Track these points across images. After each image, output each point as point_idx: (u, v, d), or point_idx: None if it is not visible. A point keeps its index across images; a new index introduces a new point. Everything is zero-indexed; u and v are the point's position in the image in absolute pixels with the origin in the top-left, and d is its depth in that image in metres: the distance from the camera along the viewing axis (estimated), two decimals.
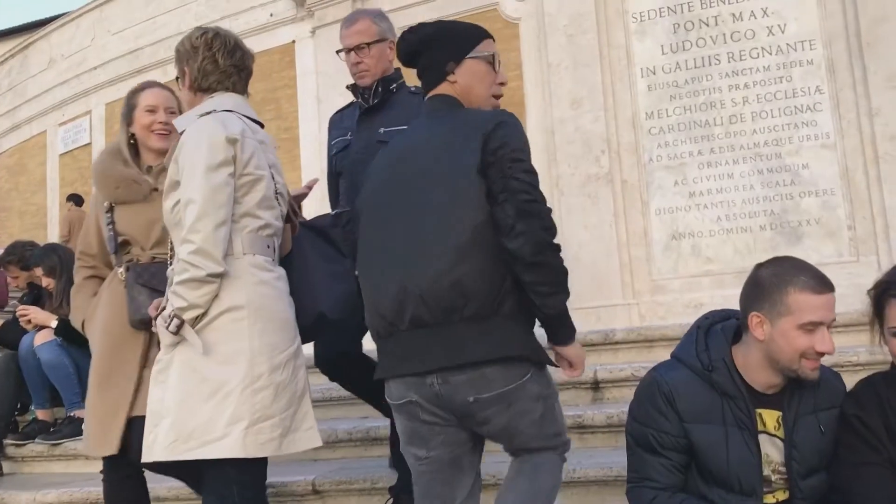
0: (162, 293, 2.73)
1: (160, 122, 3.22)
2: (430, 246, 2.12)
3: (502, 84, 2.51)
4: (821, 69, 9.07)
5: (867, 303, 2.72)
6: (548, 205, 2.28)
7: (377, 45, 3.31)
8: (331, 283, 2.79)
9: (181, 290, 2.54)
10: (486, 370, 2.14)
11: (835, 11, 9.05)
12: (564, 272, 2.23)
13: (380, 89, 3.30)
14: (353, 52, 3.31)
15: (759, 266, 2.87)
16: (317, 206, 4.06)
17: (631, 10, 9.82)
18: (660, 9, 9.73)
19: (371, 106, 3.32)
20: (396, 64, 3.01)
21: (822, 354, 2.56)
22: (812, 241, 8.94)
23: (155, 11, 13.22)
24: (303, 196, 3.15)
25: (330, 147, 3.58)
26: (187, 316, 2.53)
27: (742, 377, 2.63)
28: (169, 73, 12.86)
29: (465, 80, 2.42)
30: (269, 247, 2.67)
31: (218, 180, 2.61)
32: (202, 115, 2.85)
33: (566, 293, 2.26)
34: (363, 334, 3.15)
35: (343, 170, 3.41)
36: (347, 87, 3.42)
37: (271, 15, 11.95)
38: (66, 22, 14.92)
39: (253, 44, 12.15)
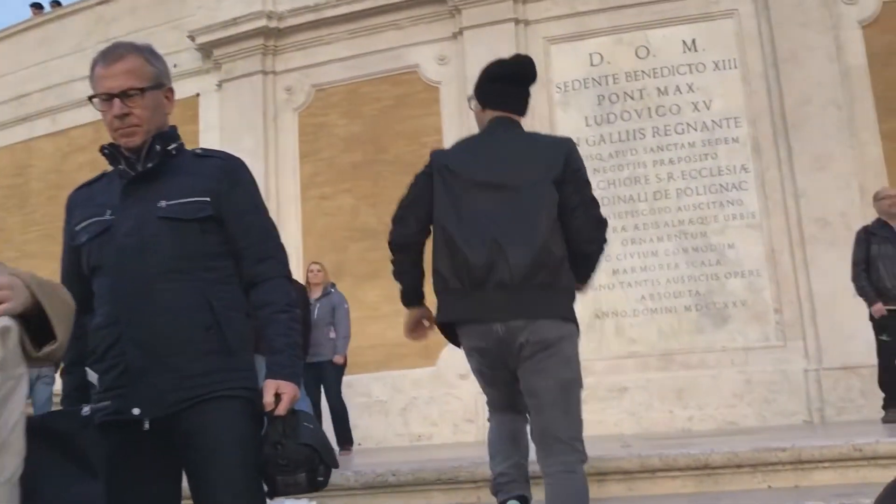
0: None
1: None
2: (520, 232, 2.66)
3: None
4: (746, 147, 8.90)
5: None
6: None
7: (152, 92, 2.23)
8: None
9: None
10: (540, 321, 2.66)
11: (759, 90, 8.94)
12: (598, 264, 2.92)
13: (157, 148, 2.19)
14: (116, 100, 2.18)
15: None
16: None
17: (555, 80, 9.51)
18: (584, 79, 9.45)
19: (144, 171, 2.19)
20: (173, 120, 2.25)
21: None
22: (738, 323, 8.61)
23: (47, 55, 12.28)
24: None
25: (73, 232, 2.29)
26: None
27: None
28: (59, 122, 11.88)
29: None
30: None
31: None
32: None
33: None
34: None
35: (103, 263, 2.17)
36: (101, 151, 2.28)
37: (175, 66, 11.13)
38: None
39: None
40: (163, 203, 2.15)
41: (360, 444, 8.48)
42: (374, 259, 9.46)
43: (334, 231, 9.93)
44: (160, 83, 2.24)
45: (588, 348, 8.88)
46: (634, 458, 3.29)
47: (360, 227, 9.79)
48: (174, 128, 2.29)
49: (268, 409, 2.02)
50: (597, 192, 9.22)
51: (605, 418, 8.57)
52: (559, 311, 2.69)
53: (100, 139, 8.84)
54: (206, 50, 10.79)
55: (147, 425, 2.03)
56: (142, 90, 2.17)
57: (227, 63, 10.64)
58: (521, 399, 2.78)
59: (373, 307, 9.01)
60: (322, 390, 7.65)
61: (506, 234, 2.66)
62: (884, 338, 6.81)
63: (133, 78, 2.18)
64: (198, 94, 10.98)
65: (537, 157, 2.77)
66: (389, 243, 2.91)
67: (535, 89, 9.67)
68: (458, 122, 9.71)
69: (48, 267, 10.60)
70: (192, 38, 10.77)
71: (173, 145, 2.23)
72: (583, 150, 9.09)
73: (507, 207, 2.69)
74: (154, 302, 2.06)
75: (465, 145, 2.96)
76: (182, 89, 11.25)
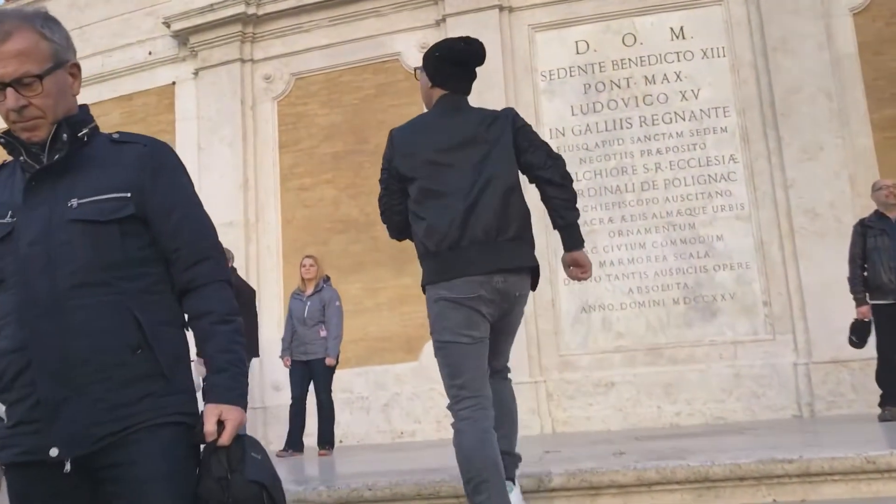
0: None
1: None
2: (486, 190, 2.89)
3: None
4: (735, 137, 8.73)
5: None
6: None
7: (54, 74, 1.81)
8: None
9: None
10: (523, 274, 2.98)
11: (748, 79, 8.76)
12: (576, 195, 3.03)
13: (64, 137, 1.79)
14: (10, 90, 1.76)
15: None
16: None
17: (540, 68, 9.29)
18: (570, 68, 9.24)
19: (50, 165, 1.80)
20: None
21: None
22: (727, 316, 8.46)
23: None
24: None
25: None
26: None
27: None
28: None
29: None
30: None
31: None
32: None
33: (578, 211, 3.05)
34: None
35: (5, 276, 1.80)
36: None
37: (150, 53, 10.86)
38: None
39: (129, 83, 11.02)
40: (74, 202, 1.77)
41: (340, 442, 8.28)
42: (356, 252, 9.25)
43: (315, 223, 9.69)
44: (62, 60, 1.82)
45: (574, 342, 8.73)
46: (630, 472, 3.10)
47: (342, 219, 9.56)
48: (84, 109, 1.91)
49: (209, 438, 1.73)
50: (583, 183, 9.07)
51: (592, 414, 8.41)
52: (531, 260, 3.06)
53: None
54: (182, 37, 10.48)
55: (68, 466, 1.71)
56: (40, 77, 1.76)
57: (204, 50, 10.33)
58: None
59: (355, 301, 8.79)
60: (311, 385, 7.43)
61: (472, 195, 2.89)
62: (854, 339, 6.75)
63: (28, 61, 1.76)
64: (174, 83, 10.68)
65: (490, 129, 3.00)
66: (389, 234, 3.18)
67: (520, 77, 9.50)
68: None
69: None
70: (167, 24, 10.45)
71: (84, 130, 1.84)
72: (568, 140, 8.94)
73: (472, 172, 2.92)
74: (67, 322, 1.72)
75: (421, 128, 3.10)
76: (158, 77, 11.01)
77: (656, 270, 8.65)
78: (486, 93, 9.20)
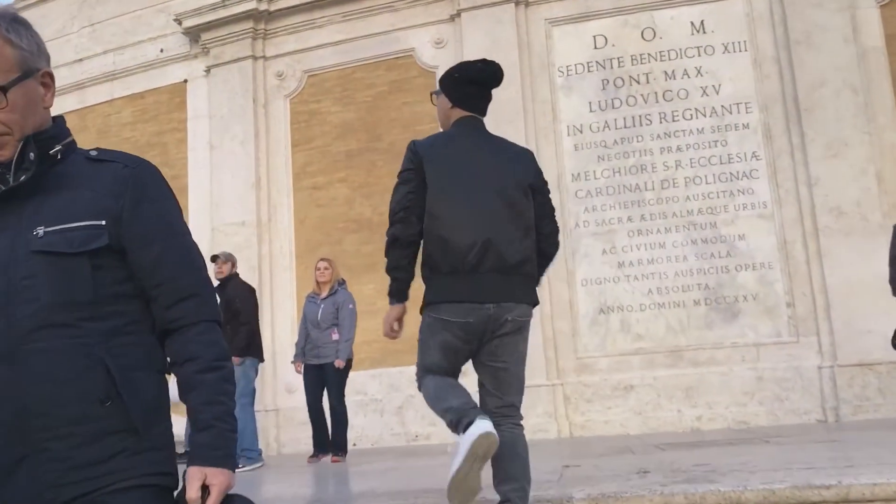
0: None
1: None
2: (509, 223, 2.95)
3: None
4: (757, 134, 8.51)
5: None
6: None
7: (21, 85, 1.58)
8: None
9: None
10: (523, 306, 2.99)
11: (771, 73, 8.54)
12: None
13: (30, 156, 1.56)
14: None
15: None
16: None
17: (557, 63, 9.10)
18: (588, 63, 9.05)
19: (14, 187, 1.57)
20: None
21: None
22: (749, 318, 8.26)
23: None
24: None
25: None
26: None
27: None
28: None
29: None
30: None
31: None
32: None
33: None
34: None
35: None
36: None
37: (161, 51, 10.75)
38: None
39: (140, 81, 10.93)
40: (40, 231, 1.53)
41: (354, 445, 8.15)
42: (370, 252, 9.09)
43: (328, 223, 9.56)
44: (31, 69, 1.59)
45: (592, 344, 8.56)
46: (656, 496, 2.94)
47: (355, 219, 9.42)
48: (59, 122, 1.67)
49: None
50: (601, 181, 8.88)
51: (610, 418, 8.24)
52: (535, 297, 3.08)
53: (86, 127, 8.52)
54: (193, 34, 10.35)
55: None
56: (4, 88, 1.54)
57: (216, 47, 10.21)
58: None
59: (368, 301, 8.64)
60: (325, 391, 7.30)
61: (499, 230, 2.93)
62: None
63: None
64: (185, 80, 10.57)
65: (514, 162, 3.08)
66: (394, 240, 2.98)
67: (536, 73, 9.29)
68: None
69: None
70: (178, 21, 10.34)
71: (57, 147, 1.61)
72: (586, 138, 8.77)
73: (498, 205, 2.96)
74: (25, 369, 1.48)
75: (445, 143, 3.09)
76: (169, 75, 10.90)
77: (676, 270, 8.46)
78: (501, 91, 8.99)
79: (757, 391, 8.00)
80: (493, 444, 2.70)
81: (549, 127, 8.99)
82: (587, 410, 8.36)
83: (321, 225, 9.57)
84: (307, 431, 8.89)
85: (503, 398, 2.97)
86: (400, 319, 3.07)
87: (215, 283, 6.62)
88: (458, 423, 2.77)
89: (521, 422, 3.03)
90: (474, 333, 2.91)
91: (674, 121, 8.72)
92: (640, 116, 8.82)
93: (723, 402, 8.04)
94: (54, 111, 1.71)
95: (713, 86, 8.69)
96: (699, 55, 8.75)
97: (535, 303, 3.05)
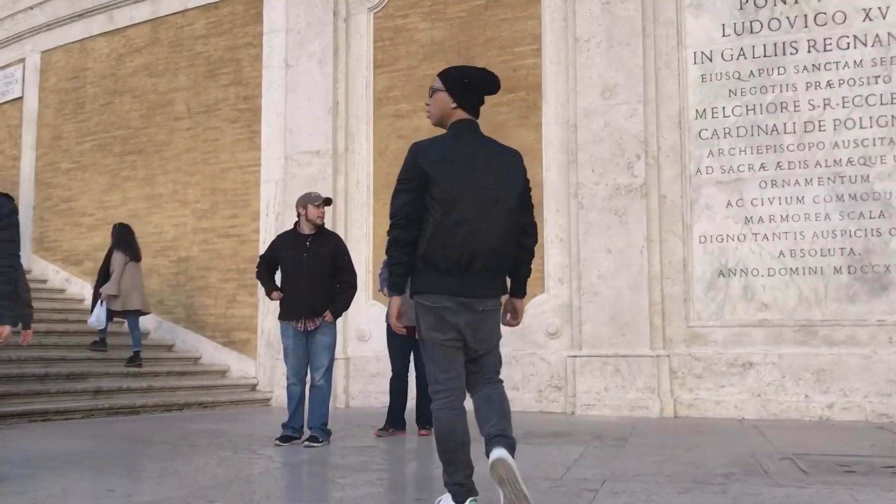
0: None
1: None
2: (499, 230, 3.18)
3: None
4: None
5: None
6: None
7: None
8: None
9: None
10: (497, 298, 3.28)
11: None
12: None
13: None
14: None
15: None
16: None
17: None
18: None
19: None
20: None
21: None
22: None
23: None
24: None
25: None
26: None
27: None
28: (115, 20, 10.75)
29: None
30: None
31: None
32: None
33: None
34: None
35: None
36: None
37: None
38: None
39: None
40: None
41: None
42: None
43: None
44: None
45: (707, 312, 7.36)
46: None
47: None
48: None
49: None
50: (731, 120, 7.42)
51: (723, 398, 7.11)
52: (505, 290, 3.31)
53: (159, 39, 7.82)
54: None
55: None
56: None
57: None
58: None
59: None
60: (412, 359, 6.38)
61: (492, 233, 3.12)
62: None
63: None
64: None
65: (507, 167, 3.24)
66: (396, 241, 3.10)
67: None
68: (560, 27, 8.05)
69: (100, 182, 9.25)
70: None
71: None
72: (716, 67, 7.21)
73: (500, 211, 3.15)
74: None
75: (450, 145, 3.18)
76: None
77: (816, 231, 7.13)
78: (617, 6, 7.70)
79: None
80: None
81: (673, 53, 7.64)
82: (696, 387, 7.24)
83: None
84: (377, 385, 8.11)
85: (490, 368, 3.23)
86: (400, 310, 3.30)
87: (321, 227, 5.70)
88: (452, 494, 3.05)
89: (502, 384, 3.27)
90: (466, 327, 3.16)
91: (826, 50, 7.24)
92: (783, 44, 7.37)
93: (861, 389, 6.79)
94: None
95: (879, 7, 7.15)
96: None
97: (505, 293, 3.32)
